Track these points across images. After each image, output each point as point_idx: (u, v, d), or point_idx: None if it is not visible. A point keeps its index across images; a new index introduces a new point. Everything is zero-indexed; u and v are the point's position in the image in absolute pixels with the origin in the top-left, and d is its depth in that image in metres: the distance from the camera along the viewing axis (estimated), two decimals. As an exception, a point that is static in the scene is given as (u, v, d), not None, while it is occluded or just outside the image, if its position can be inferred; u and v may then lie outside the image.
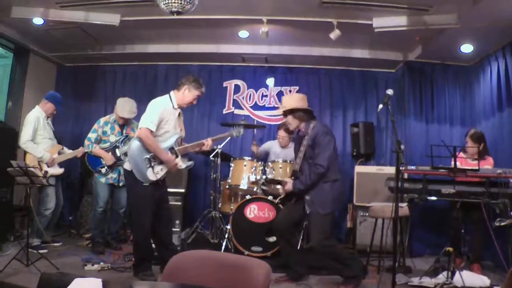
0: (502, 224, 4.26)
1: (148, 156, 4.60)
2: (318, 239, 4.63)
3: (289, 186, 4.80)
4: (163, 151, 4.65)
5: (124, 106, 5.95)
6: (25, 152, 5.78)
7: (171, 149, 4.73)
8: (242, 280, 2.02)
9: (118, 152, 5.92)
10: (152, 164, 4.62)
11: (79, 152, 6.00)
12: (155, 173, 4.64)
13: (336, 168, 4.77)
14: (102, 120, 6.07)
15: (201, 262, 2.15)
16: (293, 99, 5.02)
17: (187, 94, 4.78)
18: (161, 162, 4.68)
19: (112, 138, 5.99)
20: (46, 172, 5.65)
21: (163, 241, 4.93)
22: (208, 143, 4.92)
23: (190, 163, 4.99)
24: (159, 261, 4.86)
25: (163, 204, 4.91)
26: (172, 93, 4.85)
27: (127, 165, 4.73)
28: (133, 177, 4.63)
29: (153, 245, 4.97)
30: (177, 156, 4.75)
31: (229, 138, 5.47)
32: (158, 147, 4.62)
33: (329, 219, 4.74)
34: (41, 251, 5.19)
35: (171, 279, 2.07)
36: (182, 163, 4.84)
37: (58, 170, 5.97)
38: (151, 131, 4.56)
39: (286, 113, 4.89)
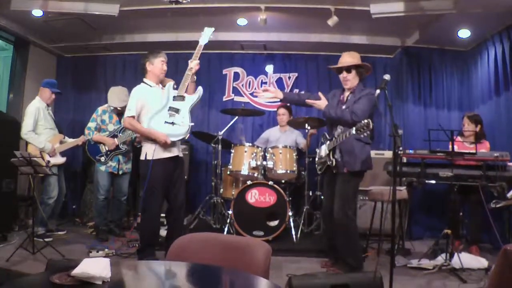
0: (498, 205, 4.32)
1: None
2: (339, 205, 4.51)
3: (322, 103, 4.62)
4: (150, 131, 4.61)
5: (113, 96, 6.06)
6: (27, 143, 5.85)
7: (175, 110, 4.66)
8: (244, 259, 2.09)
9: (117, 141, 5.99)
10: None
11: (80, 140, 6.08)
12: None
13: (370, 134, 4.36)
14: (100, 109, 6.14)
15: (204, 243, 2.23)
16: (355, 56, 4.78)
17: (152, 67, 4.86)
18: None
19: (111, 127, 6.07)
20: (48, 161, 5.70)
21: (172, 225, 4.92)
22: (193, 65, 4.83)
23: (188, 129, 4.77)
24: (164, 247, 4.88)
25: (180, 189, 4.87)
26: (144, 78, 4.94)
27: (142, 156, 4.74)
28: (147, 165, 4.63)
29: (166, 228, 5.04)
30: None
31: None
32: (143, 130, 4.65)
33: (354, 184, 4.57)
34: (46, 240, 5.28)
35: (176, 258, 2.14)
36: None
37: (60, 159, 6.04)
38: (133, 117, 4.67)
39: (346, 69, 4.70)
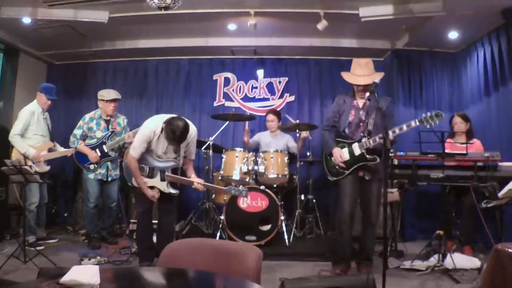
0: (489, 205, 4.34)
1: None
2: (376, 210, 4.58)
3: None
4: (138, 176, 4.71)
5: (109, 92, 6.10)
6: (12, 147, 5.78)
7: (162, 171, 4.72)
8: (235, 264, 2.09)
9: (105, 148, 5.96)
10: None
11: (69, 151, 5.99)
12: None
13: None
14: (88, 116, 6.08)
15: (195, 248, 2.22)
16: (371, 68, 4.64)
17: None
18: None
19: (99, 134, 6.02)
20: (30, 166, 5.64)
21: (160, 231, 4.98)
22: (198, 186, 4.73)
23: (175, 191, 4.79)
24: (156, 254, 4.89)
25: (167, 205, 4.90)
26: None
27: None
28: None
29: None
30: (163, 180, 4.72)
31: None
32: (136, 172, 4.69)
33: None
34: (38, 248, 5.24)
35: (167, 265, 2.14)
36: (168, 188, 4.74)
37: (44, 168, 5.89)
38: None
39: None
